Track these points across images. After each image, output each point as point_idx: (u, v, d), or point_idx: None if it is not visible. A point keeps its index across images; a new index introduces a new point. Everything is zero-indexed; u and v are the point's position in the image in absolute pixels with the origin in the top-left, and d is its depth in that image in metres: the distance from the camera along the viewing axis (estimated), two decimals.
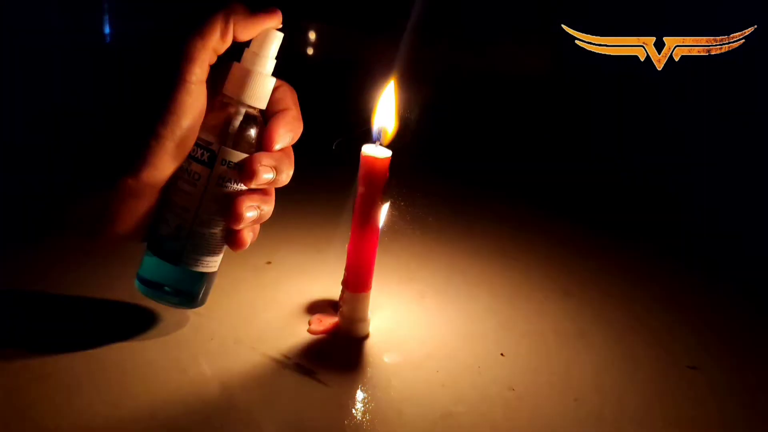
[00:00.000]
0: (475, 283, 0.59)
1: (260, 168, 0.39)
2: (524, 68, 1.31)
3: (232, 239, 0.40)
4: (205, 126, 0.39)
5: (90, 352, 0.41)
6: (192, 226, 0.39)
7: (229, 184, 0.39)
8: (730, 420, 0.43)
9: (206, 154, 0.39)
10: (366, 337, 0.48)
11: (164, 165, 0.38)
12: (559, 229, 0.78)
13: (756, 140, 1.04)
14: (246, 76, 0.39)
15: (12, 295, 0.47)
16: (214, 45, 0.37)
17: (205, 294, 0.42)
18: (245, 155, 0.39)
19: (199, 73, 0.37)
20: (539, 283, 0.61)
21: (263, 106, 0.40)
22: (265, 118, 0.40)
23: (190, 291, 0.41)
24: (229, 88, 0.39)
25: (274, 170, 0.40)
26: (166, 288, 0.40)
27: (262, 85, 0.39)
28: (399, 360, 0.46)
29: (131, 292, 0.42)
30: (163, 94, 0.37)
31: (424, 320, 0.52)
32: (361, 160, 0.44)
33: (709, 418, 0.43)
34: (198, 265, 0.40)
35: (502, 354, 0.47)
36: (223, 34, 0.37)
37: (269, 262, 0.58)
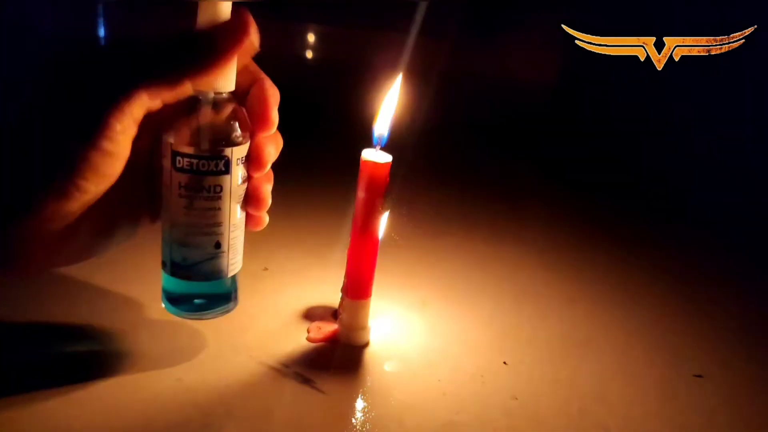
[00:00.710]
0: (478, 289, 0.59)
1: (267, 154, 0.38)
2: (524, 68, 1.31)
3: (254, 221, 0.40)
4: (198, 132, 0.36)
5: (83, 360, 0.41)
6: (230, 236, 0.39)
7: (244, 178, 0.38)
8: (738, 430, 0.43)
9: (221, 163, 0.37)
10: (366, 345, 0.47)
11: (72, 209, 0.33)
12: (562, 234, 0.78)
13: (756, 140, 1.04)
14: None
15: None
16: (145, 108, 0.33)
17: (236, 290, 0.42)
18: (247, 143, 0.38)
19: (120, 134, 0.32)
20: (543, 289, 0.60)
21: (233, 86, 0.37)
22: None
23: (228, 294, 0.41)
24: (202, 85, 0.36)
25: (275, 150, 0.39)
26: (198, 301, 0.40)
27: (232, 68, 0.36)
28: (400, 368, 0.45)
29: (124, 298, 0.41)
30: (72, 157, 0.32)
31: (426, 328, 0.51)
32: (361, 164, 0.43)
33: (717, 428, 0.43)
34: (236, 266, 0.40)
35: (505, 362, 0.47)
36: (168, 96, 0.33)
37: (266, 269, 0.57)
